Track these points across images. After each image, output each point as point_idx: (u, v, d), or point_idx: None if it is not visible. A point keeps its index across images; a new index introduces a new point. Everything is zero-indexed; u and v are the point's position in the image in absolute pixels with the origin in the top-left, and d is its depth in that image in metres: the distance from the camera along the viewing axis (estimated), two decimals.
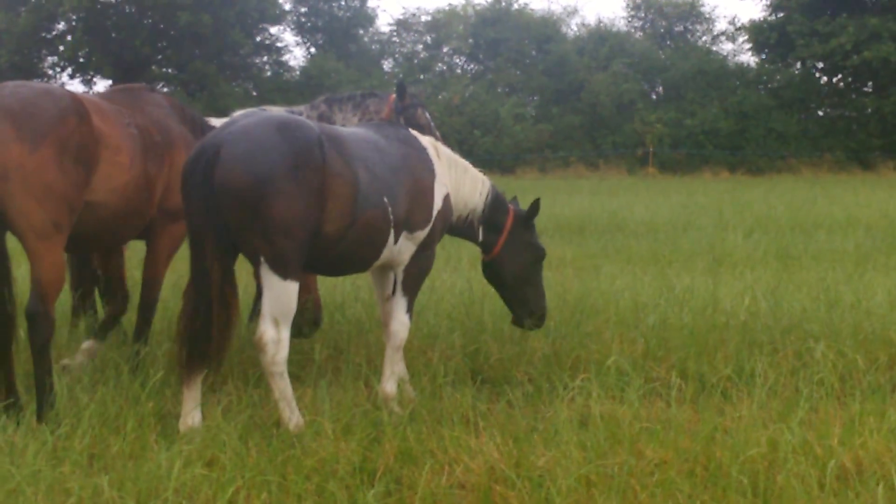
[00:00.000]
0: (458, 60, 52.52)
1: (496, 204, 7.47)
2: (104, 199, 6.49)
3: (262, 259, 5.82)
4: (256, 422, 6.13)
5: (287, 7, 48.73)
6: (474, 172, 7.38)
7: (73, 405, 6.14)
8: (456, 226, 7.27)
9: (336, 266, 6.50)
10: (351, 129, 6.71)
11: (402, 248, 6.61)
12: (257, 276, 6.06)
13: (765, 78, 49.01)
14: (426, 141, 7.06)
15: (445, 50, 52.16)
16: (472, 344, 7.84)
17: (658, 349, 7.61)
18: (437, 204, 6.83)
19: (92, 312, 8.46)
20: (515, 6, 51.86)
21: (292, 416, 6.03)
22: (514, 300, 7.57)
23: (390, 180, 6.36)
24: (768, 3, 50.31)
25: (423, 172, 6.75)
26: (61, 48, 41.77)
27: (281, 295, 5.90)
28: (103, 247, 7.71)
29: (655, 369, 7.25)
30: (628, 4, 54.84)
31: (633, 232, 17.06)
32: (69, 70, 42.66)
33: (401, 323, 6.80)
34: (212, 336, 5.88)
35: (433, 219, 6.78)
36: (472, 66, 51.88)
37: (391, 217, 6.35)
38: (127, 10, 41.74)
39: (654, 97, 49.53)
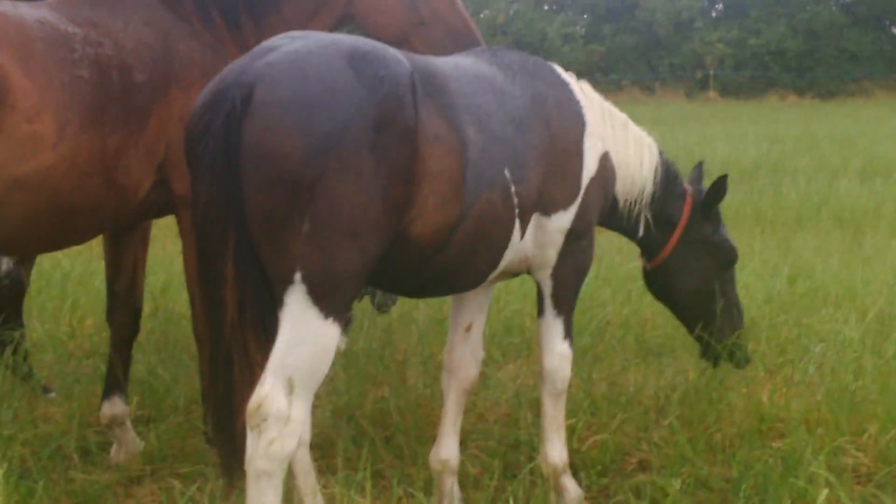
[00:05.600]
0: None
1: (668, 182, 5.07)
2: (4, 194, 3.99)
3: (296, 278, 3.48)
4: None
5: None
6: (637, 132, 4.95)
7: None
8: (612, 212, 4.92)
9: (429, 286, 4.28)
10: (449, 59, 4.42)
11: (536, 244, 4.47)
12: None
13: None
14: (566, 74, 4.69)
15: None
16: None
17: None
18: (590, 167, 4.56)
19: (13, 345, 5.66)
20: None
21: None
22: (693, 324, 5.20)
23: (514, 140, 4.19)
24: None
25: (564, 120, 4.50)
26: None
27: (311, 341, 3.52)
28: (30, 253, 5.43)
29: None
30: None
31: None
32: None
33: (559, 356, 4.62)
34: (230, 410, 3.66)
35: (582, 190, 4.51)
36: None
37: (515, 199, 4.15)
38: None
39: (714, 15, 47.34)
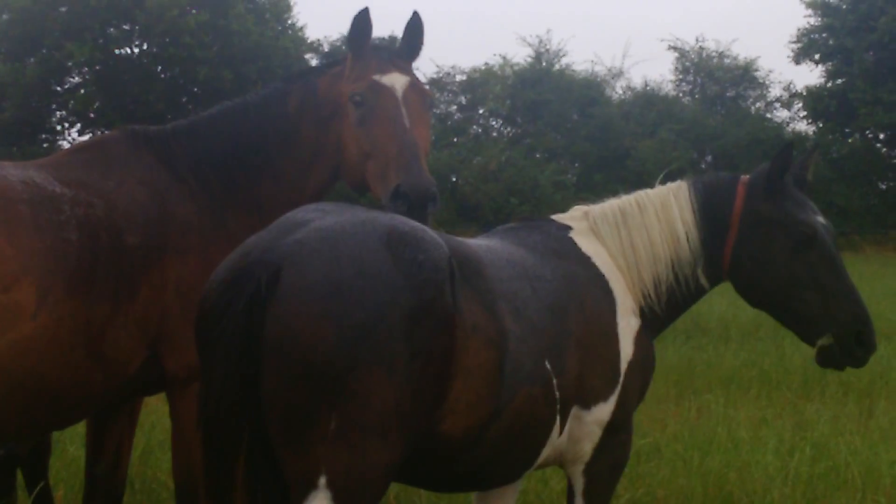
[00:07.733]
0: (494, 123, 50.55)
1: (710, 206, 4.64)
2: None
3: (320, 482, 3.13)
4: None
5: (314, 64, 46.24)
6: (656, 199, 4.66)
7: None
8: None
9: (459, 483, 4.02)
10: (480, 241, 4.28)
11: (573, 438, 4.13)
12: None
13: (823, 148, 46.03)
14: (587, 242, 4.47)
15: (481, 111, 50.00)
16: None
17: None
18: (626, 349, 4.26)
19: None
20: (557, 67, 49.99)
21: None
22: (795, 320, 4.56)
23: (552, 327, 3.94)
24: (825, 69, 47.84)
25: (595, 301, 4.26)
26: (71, 102, 38.84)
27: None
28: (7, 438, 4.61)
29: None
30: (677, 68, 52.60)
31: (721, 336, 13.67)
32: (78, 126, 39.94)
33: None
34: None
35: (622, 378, 4.21)
36: (509, 129, 49.84)
37: (557, 393, 3.88)
38: (143, 63, 39.04)
39: (703, 166, 47.12)
